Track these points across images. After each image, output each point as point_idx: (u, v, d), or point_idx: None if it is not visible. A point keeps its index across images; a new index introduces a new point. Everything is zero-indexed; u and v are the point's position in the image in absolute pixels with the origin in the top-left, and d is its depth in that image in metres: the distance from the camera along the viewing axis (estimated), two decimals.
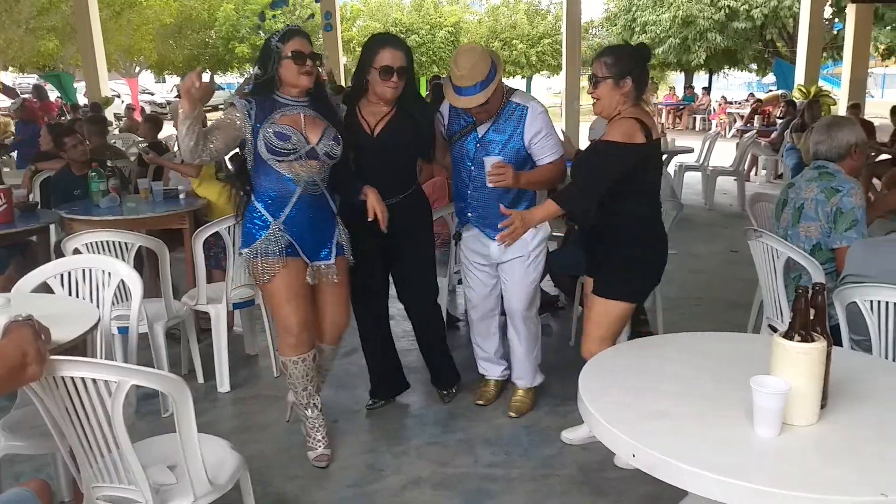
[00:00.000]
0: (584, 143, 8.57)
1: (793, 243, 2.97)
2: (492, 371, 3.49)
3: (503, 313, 3.35)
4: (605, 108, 2.59)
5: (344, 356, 3.86)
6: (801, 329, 1.53)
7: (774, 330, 3.09)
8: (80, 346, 2.15)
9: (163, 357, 3.39)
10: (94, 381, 1.67)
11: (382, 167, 2.97)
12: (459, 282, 3.54)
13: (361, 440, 3.15)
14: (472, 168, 3.03)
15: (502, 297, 3.29)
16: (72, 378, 1.67)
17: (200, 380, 3.67)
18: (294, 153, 2.63)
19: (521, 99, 2.99)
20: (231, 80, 30.49)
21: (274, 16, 11.29)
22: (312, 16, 13.09)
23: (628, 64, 2.53)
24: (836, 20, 21.21)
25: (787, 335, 1.54)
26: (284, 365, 2.85)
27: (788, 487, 1.32)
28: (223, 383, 3.62)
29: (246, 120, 2.63)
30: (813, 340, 1.52)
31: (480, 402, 3.42)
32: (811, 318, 1.54)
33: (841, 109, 13.48)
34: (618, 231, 2.67)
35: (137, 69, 29.80)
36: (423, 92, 18.25)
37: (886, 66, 30.15)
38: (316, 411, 2.93)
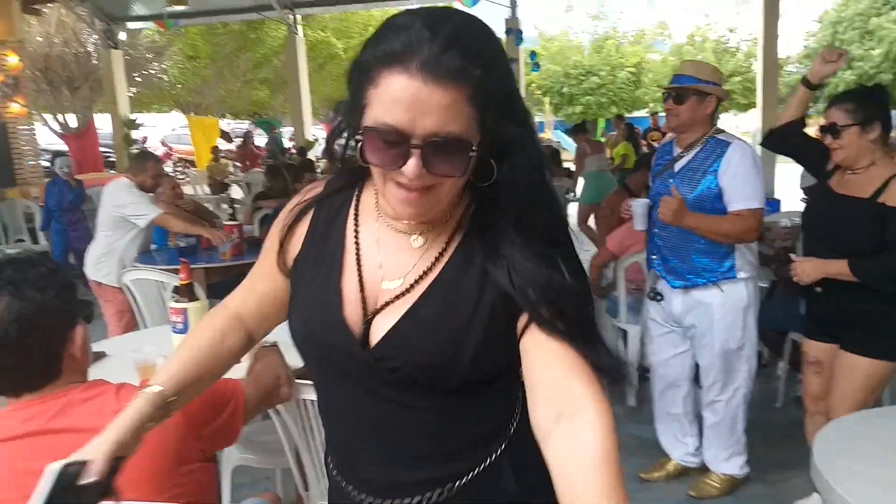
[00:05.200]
0: (786, 185, 8.00)
1: None
2: (674, 451, 3.13)
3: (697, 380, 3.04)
4: (849, 157, 2.41)
5: None
6: None
7: None
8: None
9: None
10: None
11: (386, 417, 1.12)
12: None
13: None
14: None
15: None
16: (312, 401, 1.83)
17: None
18: None
19: (727, 136, 2.76)
20: None
21: None
22: None
23: (873, 108, 2.36)
24: None
25: None
26: None
27: None
28: None
29: None
30: None
31: (643, 475, 3.08)
32: None
33: None
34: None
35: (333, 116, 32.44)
36: (599, 133, 17.96)
37: None
38: None
